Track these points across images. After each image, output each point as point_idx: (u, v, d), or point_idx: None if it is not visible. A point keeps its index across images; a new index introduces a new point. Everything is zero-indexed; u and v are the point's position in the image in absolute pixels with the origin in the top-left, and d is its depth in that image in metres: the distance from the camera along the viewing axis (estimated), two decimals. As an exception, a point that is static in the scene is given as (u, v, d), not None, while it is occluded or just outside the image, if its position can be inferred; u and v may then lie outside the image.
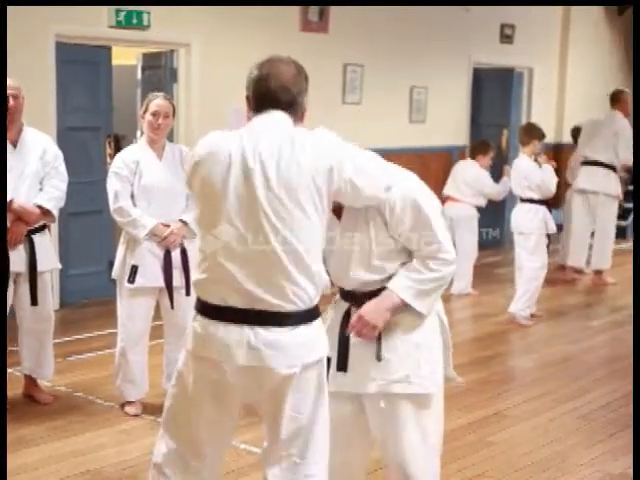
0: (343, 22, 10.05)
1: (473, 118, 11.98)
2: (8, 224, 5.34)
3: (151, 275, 5.37)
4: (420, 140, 10.98)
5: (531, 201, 7.93)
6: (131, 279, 5.36)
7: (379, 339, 3.31)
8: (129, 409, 5.52)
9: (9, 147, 5.36)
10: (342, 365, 3.34)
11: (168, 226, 5.37)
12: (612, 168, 9.96)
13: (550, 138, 10.54)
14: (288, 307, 2.97)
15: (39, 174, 5.48)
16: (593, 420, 5.61)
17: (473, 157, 9.21)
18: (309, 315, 3.03)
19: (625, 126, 10.00)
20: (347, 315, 3.36)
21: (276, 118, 3.05)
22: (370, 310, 3.26)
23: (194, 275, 3.14)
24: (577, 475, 4.76)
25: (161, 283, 5.39)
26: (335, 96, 10.17)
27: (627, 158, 9.87)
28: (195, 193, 3.11)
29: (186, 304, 5.46)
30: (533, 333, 7.80)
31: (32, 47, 7.61)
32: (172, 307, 5.43)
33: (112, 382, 5.60)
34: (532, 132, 8.12)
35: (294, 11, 9.65)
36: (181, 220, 5.41)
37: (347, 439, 3.47)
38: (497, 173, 9.39)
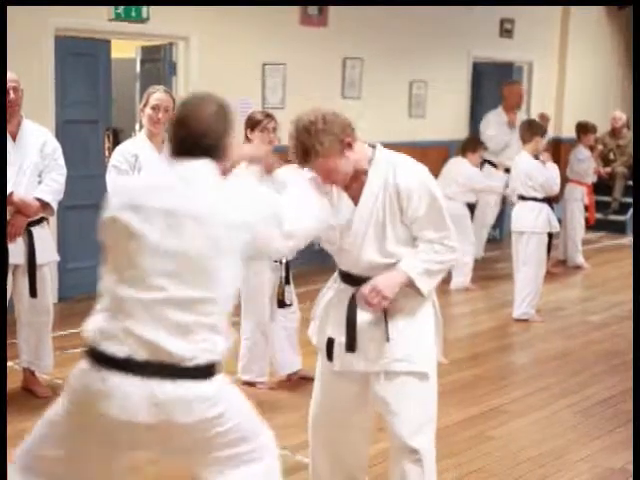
0: (342, 16, 10.03)
1: (472, 112, 11.97)
2: (8, 217, 5.35)
3: (150, 269, 5.36)
4: (419, 134, 10.96)
5: (534, 199, 7.88)
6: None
7: (386, 321, 3.52)
8: (128, 403, 5.51)
9: (9, 140, 5.36)
10: (350, 346, 3.56)
11: (167, 220, 5.36)
12: (493, 165, 10.10)
13: (549, 133, 10.51)
14: (195, 360, 2.82)
15: (38, 167, 5.49)
16: (592, 415, 5.62)
17: (462, 154, 9.13)
18: (212, 369, 2.88)
19: (488, 121, 10.35)
20: (353, 299, 3.56)
21: (196, 168, 2.90)
22: (383, 281, 3.45)
23: (90, 324, 2.98)
24: (575, 470, 4.77)
25: (160, 277, 5.38)
26: (334, 90, 10.15)
27: (490, 150, 9.95)
28: (105, 239, 2.98)
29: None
30: (531, 328, 7.80)
31: (31, 40, 7.60)
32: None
33: (111, 376, 5.60)
34: (534, 129, 8.05)
35: (293, 5, 9.63)
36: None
37: (348, 421, 3.71)
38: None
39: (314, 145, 3.34)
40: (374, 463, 4.22)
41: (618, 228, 12.32)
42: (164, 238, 2.81)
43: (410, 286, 3.48)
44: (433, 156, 10.58)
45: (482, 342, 7.28)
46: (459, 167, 8.97)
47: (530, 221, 7.85)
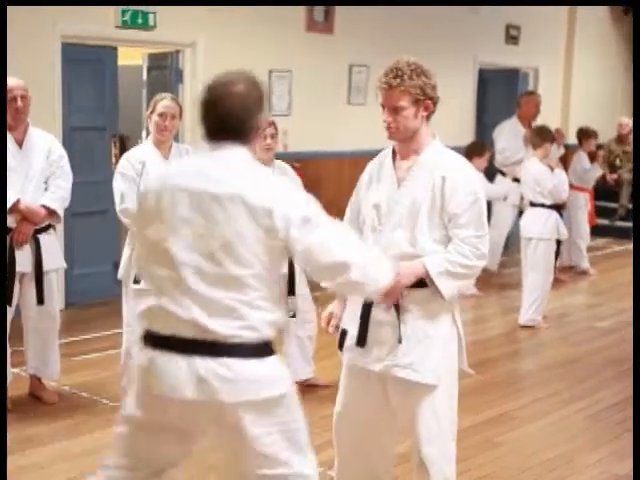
0: (348, 22, 10.04)
1: (478, 118, 11.98)
2: (14, 224, 5.36)
3: (157, 276, 5.36)
4: (425, 140, 10.96)
5: (542, 206, 7.88)
6: (137, 279, 5.35)
7: (399, 324, 3.46)
8: (135, 409, 5.51)
9: (15, 147, 5.37)
10: (360, 341, 3.54)
11: (174, 226, 5.36)
12: (502, 173, 9.92)
13: (561, 149, 10.50)
14: (238, 339, 2.86)
15: (45, 174, 5.49)
16: (600, 421, 5.61)
17: (468, 159, 9.03)
18: (263, 349, 2.92)
19: (502, 130, 10.01)
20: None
21: (232, 156, 2.94)
22: (399, 268, 3.37)
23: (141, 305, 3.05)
24: (584, 476, 4.77)
25: (167, 283, 5.38)
26: (340, 97, 10.16)
27: (499, 161, 9.86)
28: (141, 223, 3.03)
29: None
30: (538, 334, 7.79)
31: (38, 47, 7.61)
32: (178, 307, 5.42)
33: (118, 382, 5.60)
34: (544, 135, 8.00)
35: (299, 11, 9.65)
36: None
37: (370, 419, 3.65)
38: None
39: (406, 74, 3.48)
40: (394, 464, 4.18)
41: (624, 234, 12.29)
42: (192, 218, 2.86)
43: (430, 284, 3.43)
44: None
45: (489, 348, 7.27)
46: None
47: (538, 227, 7.83)
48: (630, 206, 12.46)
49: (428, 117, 3.60)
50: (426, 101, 3.54)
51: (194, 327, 2.85)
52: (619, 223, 12.58)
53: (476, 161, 8.98)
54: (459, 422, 3.54)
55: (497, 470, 4.79)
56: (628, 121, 12.57)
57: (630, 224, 12.15)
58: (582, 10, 13.17)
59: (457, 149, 3.82)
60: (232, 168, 2.92)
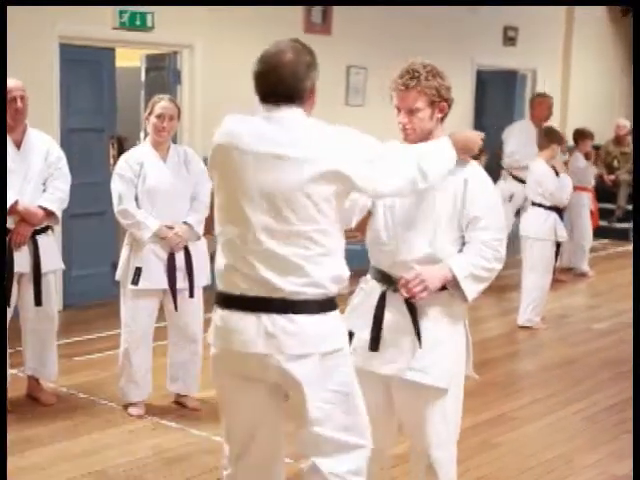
0: (346, 24, 10.04)
1: (476, 120, 11.98)
2: (12, 225, 5.35)
3: (155, 277, 5.37)
4: (423, 142, 10.95)
5: (542, 206, 7.87)
6: (135, 280, 5.35)
7: (416, 327, 3.43)
8: (132, 410, 5.51)
9: (13, 149, 5.37)
10: (374, 346, 3.50)
11: (172, 228, 5.36)
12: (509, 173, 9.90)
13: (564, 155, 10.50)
14: (303, 295, 3.00)
15: (43, 175, 5.49)
16: (598, 422, 5.61)
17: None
18: (326, 305, 3.06)
19: (511, 131, 9.96)
20: (382, 298, 3.49)
21: (288, 117, 3.07)
22: (428, 272, 3.37)
23: (215, 265, 3.17)
24: (583, 476, 4.77)
25: (165, 285, 5.38)
26: (338, 98, 10.16)
27: (507, 163, 9.84)
28: (216, 181, 3.15)
29: (189, 306, 5.46)
30: (536, 335, 7.79)
31: (36, 48, 7.61)
32: (176, 309, 5.43)
33: (116, 383, 5.60)
34: (551, 136, 7.93)
35: (297, 13, 9.65)
36: (185, 222, 5.41)
37: (372, 418, 3.58)
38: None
39: (422, 75, 3.51)
40: (396, 464, 4.17)
41: (622, 235, 12.31)
42: (258, 178, 2.98)
43: (454, 287, 3.41)
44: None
45: (488, 349, 7.26)
46: None
47: (535, 227, 7.83)
48: (628, 207, 12.47)
49: (442, 119, 3.57)
50: (441, 103, 3.52)
51: (262, 285, 3.00)
52: (617, 224, 12.59)
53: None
54: (457, 423, 3.59)
55: (496, 471, 4.79)
56: (626, 122, 12.58)
57: (628, 225, 12.18)
58: (580, 11, 13.19)
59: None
60: (287, 128, 3.03)
